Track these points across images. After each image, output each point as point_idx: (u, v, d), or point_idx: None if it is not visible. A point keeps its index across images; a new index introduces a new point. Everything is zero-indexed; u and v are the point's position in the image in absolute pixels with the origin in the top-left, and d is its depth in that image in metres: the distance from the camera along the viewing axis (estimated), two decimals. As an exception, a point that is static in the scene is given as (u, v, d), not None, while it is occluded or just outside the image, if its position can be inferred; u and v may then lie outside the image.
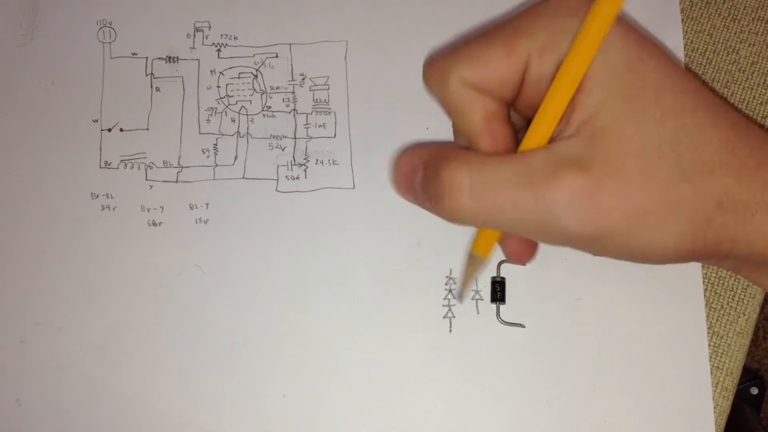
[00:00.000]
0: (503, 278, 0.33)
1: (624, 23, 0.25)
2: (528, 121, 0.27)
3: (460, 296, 0.33)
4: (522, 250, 0.30)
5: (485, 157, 0.26)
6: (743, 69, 0.35)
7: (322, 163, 0.34)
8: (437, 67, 0.27)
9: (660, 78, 0.25)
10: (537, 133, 0.26)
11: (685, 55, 0.36)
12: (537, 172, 0.25)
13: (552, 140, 0.26)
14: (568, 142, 0.25)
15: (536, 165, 0.25)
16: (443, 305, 0.33)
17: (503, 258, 0.33)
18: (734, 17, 0.36)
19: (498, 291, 0.33)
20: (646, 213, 0.24)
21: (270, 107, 0.35)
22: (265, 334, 0.33)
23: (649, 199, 0.24)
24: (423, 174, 0.27)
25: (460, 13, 0.36)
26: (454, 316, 0.33)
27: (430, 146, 0.28)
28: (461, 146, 0.29)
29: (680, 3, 0.36)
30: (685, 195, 0.24)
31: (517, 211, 0.25)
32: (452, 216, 0.26)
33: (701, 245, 0.25)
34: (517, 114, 0.29)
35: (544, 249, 0.33)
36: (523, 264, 0.32)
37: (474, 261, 0.30)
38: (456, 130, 0.30)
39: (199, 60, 0.36)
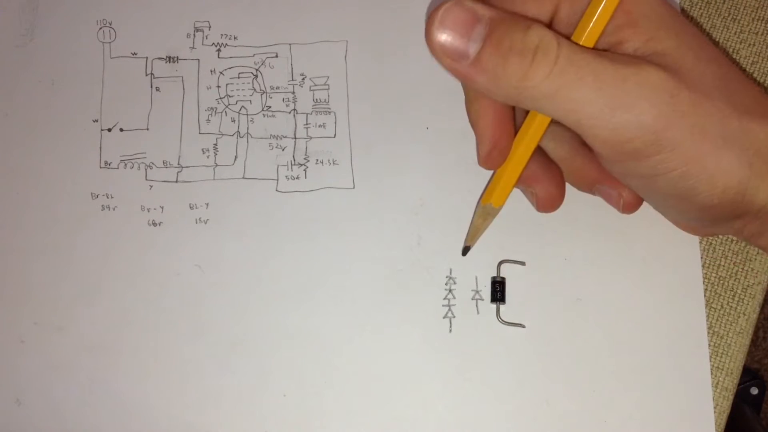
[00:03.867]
0: (503, 278, 0.33)
1: None
2: None
3: (464, 252, 0.32)
4: (554, 194, 0.30)
5: None
6: (743, 69, 0.35)
7: (322, 163, 0.34)
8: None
9: (695, 30, 0.26)
10: (583, 32, 0.26)
11: (685, 55, 0.36)
12: (622, 59, 0.24)
13: None
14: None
15: (618, 55, 0.25)
16: (443, 305, 0.33)
17: (503, 258, 0.33)
18: (734, 17, 0.36)
19: (498, 291, 0.33)
20: (709, 134, 0.24)
21: (270, 107, 0.35)
22: (265, 334, 0.33)
23: (713, 123, 0.24)
24: (491, 28, 0.25)
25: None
26: (454, 316, 0.33)
27: (491, 7, 0.26)
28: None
29: (680, 3, 0.36)
30: (736, 132, 0.25)
31: (595, 86, 0.24)
32: (526, 76, 0.24)
33: (742, 192, 0.25)
34: None
35: (543, 249, 0.33)
36: (550, 211, 0.31)
37: (485, 213, 0.30)
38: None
39: (199, 60, 0.36)
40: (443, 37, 0.25)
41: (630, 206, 0.31)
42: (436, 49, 0.25)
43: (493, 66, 0.25)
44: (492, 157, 0.29)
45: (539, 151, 0.30)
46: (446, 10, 0.25)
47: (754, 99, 0.26)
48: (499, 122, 0.28)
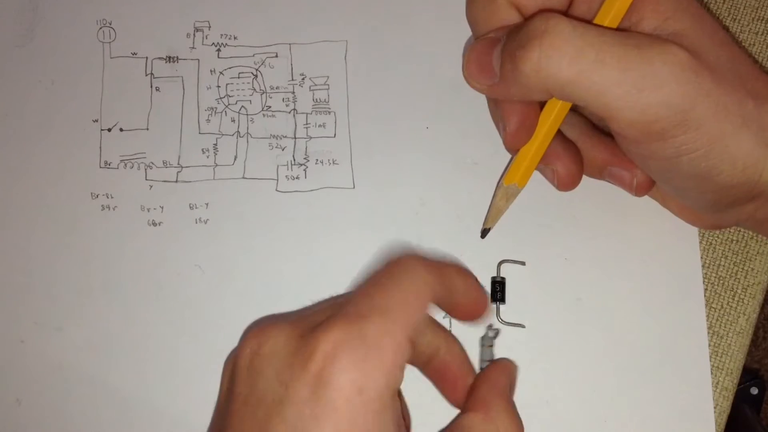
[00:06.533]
0: (503, 278, 0.33)
1: None
2: None
3: (483, 234, 0.32)
4: (573, 171, 0.30)
5: None
6: (743, 69, 0.35)
7: (322, 163, 0.34)
8: None
9: (708, 13, 0.26)
10: (609, 14, 0.26)
11: (685, 55, 0.36)
12: (643, 38, 0.24)
13: None
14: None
15: (638, 35, 0.25)
16: (443, 305, 0.33)
17: (503, 258, 0.33)
18: (734, 17, 0.36)
19: (498, 291, 0.33)
20: (730, 114, 0.25)
21: (270, 107, 0.35)
22: (265, 334, 0.33)
23: (733, 103, 0.25)
24: (507, 38, 0.26)
25: (460, 13, 0.36)
26: (454, 316, 0.33)
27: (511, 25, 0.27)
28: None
29: (680, 3, 0.36)
30: (753, 113, 0.25)
31: (620, 67, 0.24)
32: (541, 61, 0.24)
33: (759, 172, 0.25)
34: None
35: (543, 249, 0.33)
36: (570, 189, 0.31)
37: (508, 194, 0.30)
38: None
39: (199, 60, 0.35)
40: (473, 69, 0.27)
41: (643, 187, 0.31)
42: (472, 84, 0.28)
43: (510, 71, 0.26)
44: (519, 135, 0.29)
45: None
46: (470, 48, 0.28)
47: (765, 84, 0.26)
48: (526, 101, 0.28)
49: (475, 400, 0.27)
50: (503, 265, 0.33)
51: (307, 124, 0.35)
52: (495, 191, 0.31)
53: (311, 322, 0.24)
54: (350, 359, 0.22)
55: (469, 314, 0.28)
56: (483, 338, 0.32)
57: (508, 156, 0.32)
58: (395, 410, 0.23)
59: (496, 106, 0.29)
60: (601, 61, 0.24)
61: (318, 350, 0.22)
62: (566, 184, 0.30)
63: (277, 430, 0.22)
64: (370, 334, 0.22)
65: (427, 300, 0.25)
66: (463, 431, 0.25)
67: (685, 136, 0.25)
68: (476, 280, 0.30)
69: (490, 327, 0.32)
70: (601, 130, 0.31)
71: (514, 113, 0.28)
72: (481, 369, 0.31)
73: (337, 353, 0.22)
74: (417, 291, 0.24)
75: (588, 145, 0.31)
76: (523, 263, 0.33)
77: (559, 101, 0.28)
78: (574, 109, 0.29)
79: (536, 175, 0.31)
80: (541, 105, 0.29)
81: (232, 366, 0.25)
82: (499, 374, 0.28)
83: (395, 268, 0.25)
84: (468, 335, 0.31)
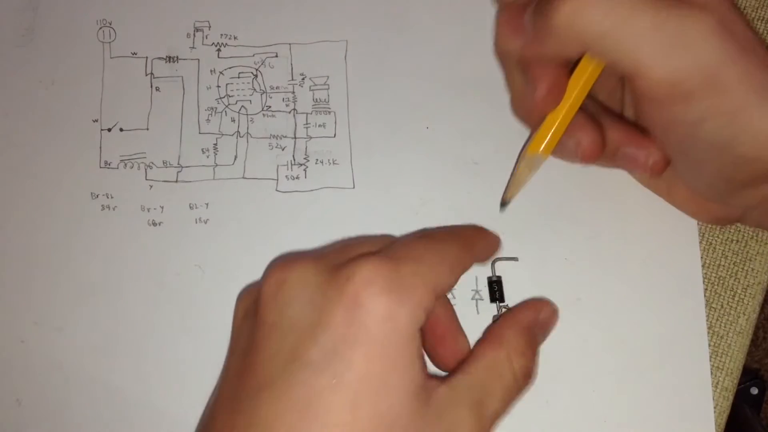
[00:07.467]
0: (499, 277, 0.33)
1: None
2: None
3: (503, 205, 0.32)
4: (598, 141, 0.29)
5: None
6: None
7: (322, 163, 0.34)
8: None
9: None
10: None
11: (685, 55, 0.36)
12: (674, 1, 0.24)
13: None
14: None
15: None
16: (443, 305, 0.33)
17: (497, 256, 0.33)
18: (734, 17, 0.36)
19: (496, 290, 0.33)
20: (754, 83, 0.25)
21: (270, 107, 0.35)
22: (265, 334, 0.33)
23: (757, 73, 0.25)
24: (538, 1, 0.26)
25: (461, 13, 0.36)
26: (454, 316, 0.33)
27: None
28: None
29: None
30: None
31: (653, 24, 0.24)
32: (575, 13, 0.24)
33: None
34: None
35: (544, 249, 0.33)
36: (592, 161, 0.30)
37: (531, 163, 0.29)
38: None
39: (199, 60, 0.36)
40: (506, 30, 0.28)
41: (658, 166, 0.30)
42: (504, 46, 0.29)
43: (543, 26, 0.26)
44: (548, 99, 0.28)
45: None
46: (502, 12, 0.29)
47: None
48: (556, 63, 0.28)
49: (491, 332, 0.28)
50: (502, 264, 0.33)
51: (307, 124, 0.35)
52: (517, 161, 0.31)
53: (335, 259, 0.25)
54: (385, 287, 0.23)
55: (483, 260, 0.31)
56: (496, 316, 0.32)
57: (509, 155, 0.32)
58: (419, 347, 0.24)
59: (522, 71, 0.29)
60: (635, 17, 0.24)
61: (355, 276, 0.23)
62: (589, 155, 0.30)
63: (310, 354, 0.23)
64: (403, 272, 0.24)
65: (457, 274, 0.26)
66: (473, 357, 0.26)
67: (711, 100, 0.25)
68: (488, 232, 0.32)
69: (505, 306, 0.32)
70: (612, 112, 0.31)
71: (544, 76, 0.28)
72: None
73: (374, 279, 0.23)
74: (450, 264, 0.26)
75: (603, 124, 0.30)
76: (515, 259, 0.33)
77: (590, 65, 0.28)
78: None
79: (537, 176, 0.31)
80: (570, 71, 0.29)
81: (256, 296, 0.26)
82: (523, 310, 0.29)
83: (431, 237, 0.26)
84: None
